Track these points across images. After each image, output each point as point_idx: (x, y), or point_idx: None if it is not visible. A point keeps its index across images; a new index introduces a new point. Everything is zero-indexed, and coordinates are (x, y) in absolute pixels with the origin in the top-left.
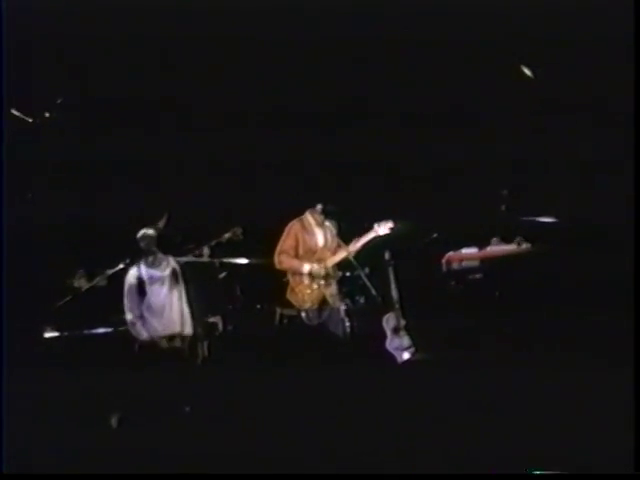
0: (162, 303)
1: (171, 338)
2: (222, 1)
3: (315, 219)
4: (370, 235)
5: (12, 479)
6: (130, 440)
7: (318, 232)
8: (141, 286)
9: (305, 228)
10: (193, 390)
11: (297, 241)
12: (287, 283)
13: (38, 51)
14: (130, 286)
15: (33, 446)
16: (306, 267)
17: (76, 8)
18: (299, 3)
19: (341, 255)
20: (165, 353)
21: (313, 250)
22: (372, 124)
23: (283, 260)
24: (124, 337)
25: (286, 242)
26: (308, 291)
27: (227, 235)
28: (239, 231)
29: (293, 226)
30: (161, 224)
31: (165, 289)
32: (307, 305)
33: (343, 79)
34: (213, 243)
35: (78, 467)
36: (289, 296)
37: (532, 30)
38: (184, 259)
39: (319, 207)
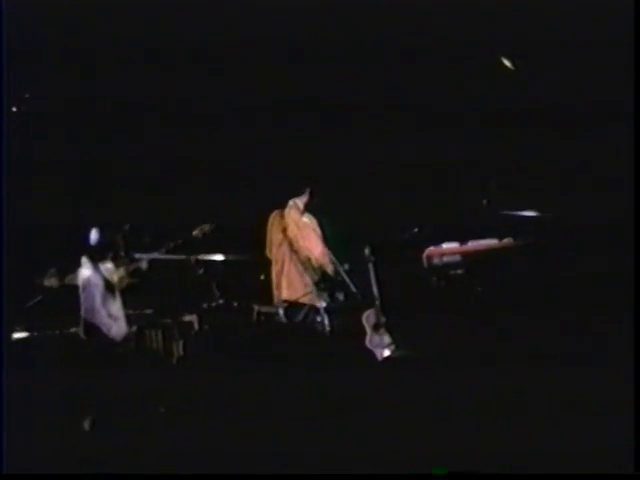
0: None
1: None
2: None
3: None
4: None
5: (12, 479)
6: (107, 442)
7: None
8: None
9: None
10: (168, 390)
11: None
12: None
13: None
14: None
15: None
16: None
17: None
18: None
19: None
20: (139, 353)
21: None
22: (350, 119)
23: None
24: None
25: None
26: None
27: (195, 232)
28: (206, 227)
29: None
30: (125, 228)
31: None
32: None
33: (316, 73)
34: (180, 241)
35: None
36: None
37: (531, 29)
38: (157, 256)
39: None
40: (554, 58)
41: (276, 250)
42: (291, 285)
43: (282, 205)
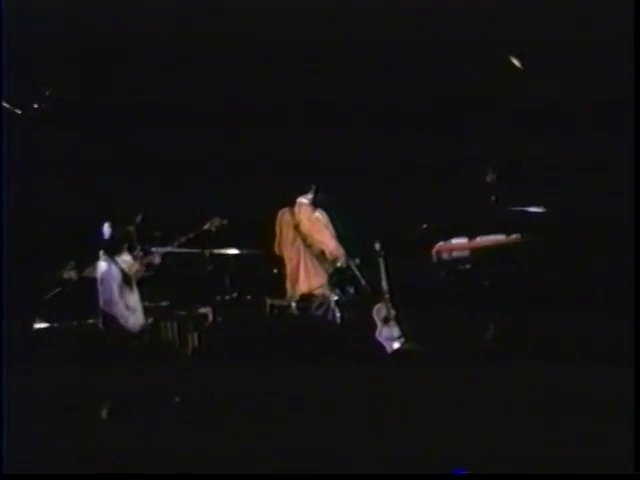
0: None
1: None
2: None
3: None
4: None
5: (12, 479)
6: (121, 431)
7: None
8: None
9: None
10: (183, 381)
11: None
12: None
13: (27, 43)
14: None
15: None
16: None
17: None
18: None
19: None
20: (155, 344)
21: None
22: (360, 115)
23: None
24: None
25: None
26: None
27: (206, 226)
28: (217, 222)
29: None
30: (138, 220)
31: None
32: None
33: (324, 73)
34: (191, 235)
35: (75, 466)
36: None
37: (531, 28)
38: (172, 250)
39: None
40: (554, 58)
41: (289, 248)
42: (309, 277)
43: (294, 199)
